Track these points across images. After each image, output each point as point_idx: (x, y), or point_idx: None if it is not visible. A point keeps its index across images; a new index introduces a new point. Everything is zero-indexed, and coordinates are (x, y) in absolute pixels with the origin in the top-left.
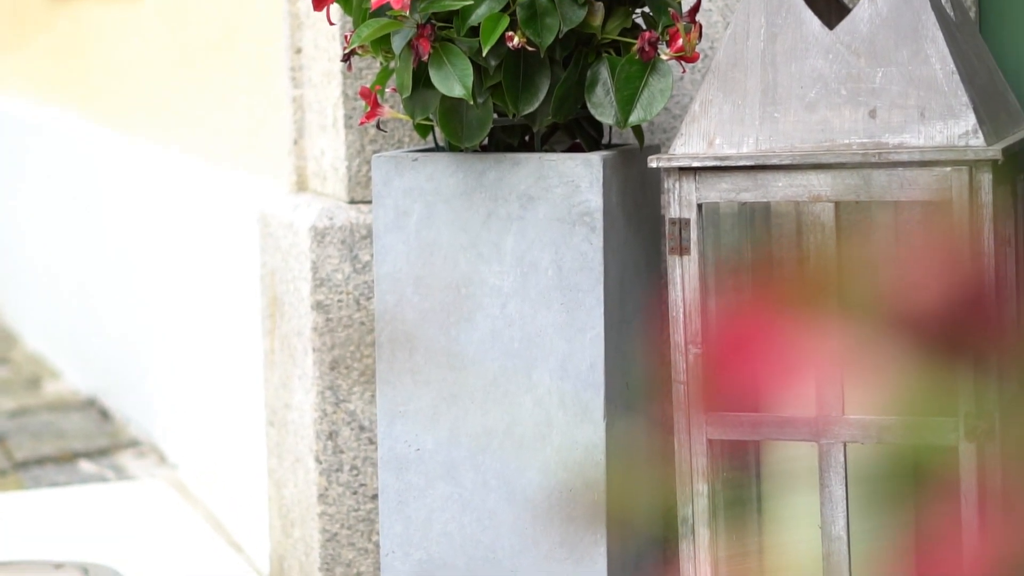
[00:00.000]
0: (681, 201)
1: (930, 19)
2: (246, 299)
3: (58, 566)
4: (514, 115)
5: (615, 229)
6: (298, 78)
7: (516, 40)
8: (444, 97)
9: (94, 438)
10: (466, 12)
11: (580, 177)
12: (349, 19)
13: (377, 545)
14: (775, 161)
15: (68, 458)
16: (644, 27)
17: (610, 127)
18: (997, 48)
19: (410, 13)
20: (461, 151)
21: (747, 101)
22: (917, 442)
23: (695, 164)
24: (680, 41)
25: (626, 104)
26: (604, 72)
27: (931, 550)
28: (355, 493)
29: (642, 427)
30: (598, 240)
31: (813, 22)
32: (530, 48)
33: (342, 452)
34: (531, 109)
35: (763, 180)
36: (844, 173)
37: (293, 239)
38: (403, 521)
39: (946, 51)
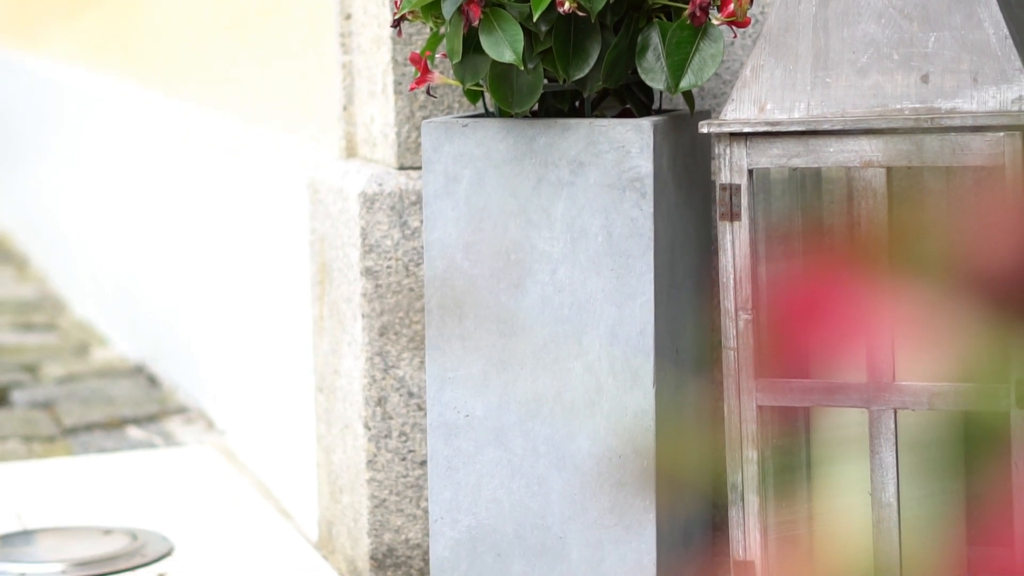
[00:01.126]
0: (732, 167)
1: None
2: (295, 265)
3: (107, 532)
4: (564, 80)
5: (665, 195)
6: (347, 44)
7: (567, 5)
8: (494, 62)
9: (142, 404)
10: None
11: (630, 143)
12: None
13: (426, 511)
14: (826, 127)
15: (116, 424)
16: None
17: (661, 92)
18: None
19: None
20: (511, 117)
21: (798, 66)
22: (968, 408)
23: (746, 129)
24: (731, 6)
25: (677, 69)
26: (655, 37)
27: (981, 517)
28: (404, 459)
29: (692, 393)
30: (648, 206)
31: None
32: (581, 13)
33: (391, 418)
34: (582, 74)
35: (814, 146)
36: (896, 138)
37: (343, 205)
38: (452, 487)
39: (999, 15)
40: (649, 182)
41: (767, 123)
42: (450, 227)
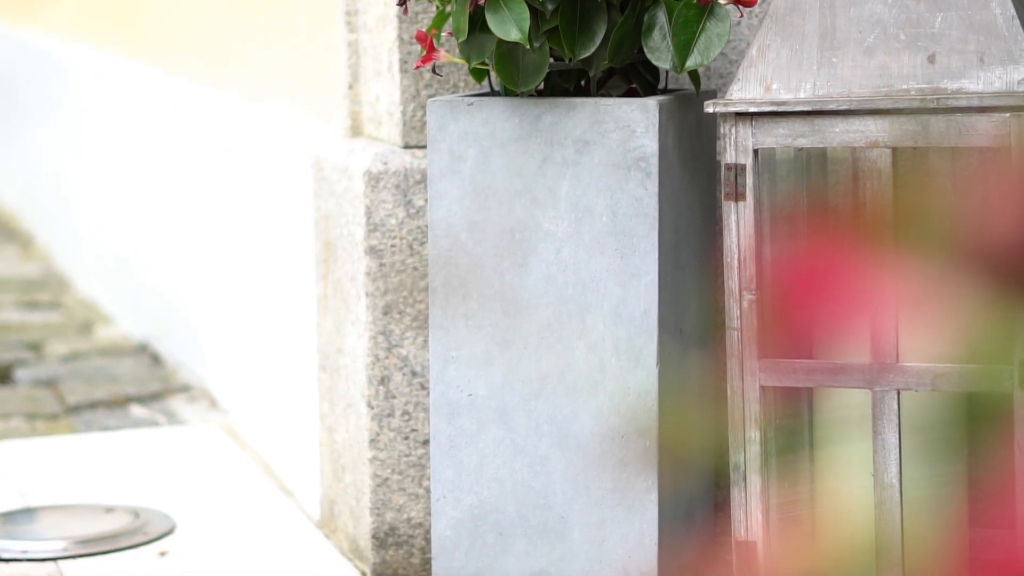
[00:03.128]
0: (737, 146)
1: None
2: (299, 244)
3: (109, 510)
4: (570, 60)
5: (670, 175)
6: (353, 22)
7: None
8: (500, 41)
9: (146, 383)
10: None
11: (636, 122)
12: None
13: (428, 490)
14: (832, 106)
15: (120, 402)
16: None
17: (666, 72)
18: None
19: None
20: (517, 96)
21: (805, 46)
22: (972, 390)
23: (752, 109)
24: None
25: (683, 49)
26: (661, 16)
27: (983, 499)
28: (406, 438)
29: (695, 373)
30: (653, 186)
31: None
32: None
33: (394, 397)
34: (587, 53)
35: (820, 126)
36: (902, 119)
37: (347, 184)
38: (454, 466)
39: None
40: (654, 162)
41: (773, 103)
42: (454, 206)
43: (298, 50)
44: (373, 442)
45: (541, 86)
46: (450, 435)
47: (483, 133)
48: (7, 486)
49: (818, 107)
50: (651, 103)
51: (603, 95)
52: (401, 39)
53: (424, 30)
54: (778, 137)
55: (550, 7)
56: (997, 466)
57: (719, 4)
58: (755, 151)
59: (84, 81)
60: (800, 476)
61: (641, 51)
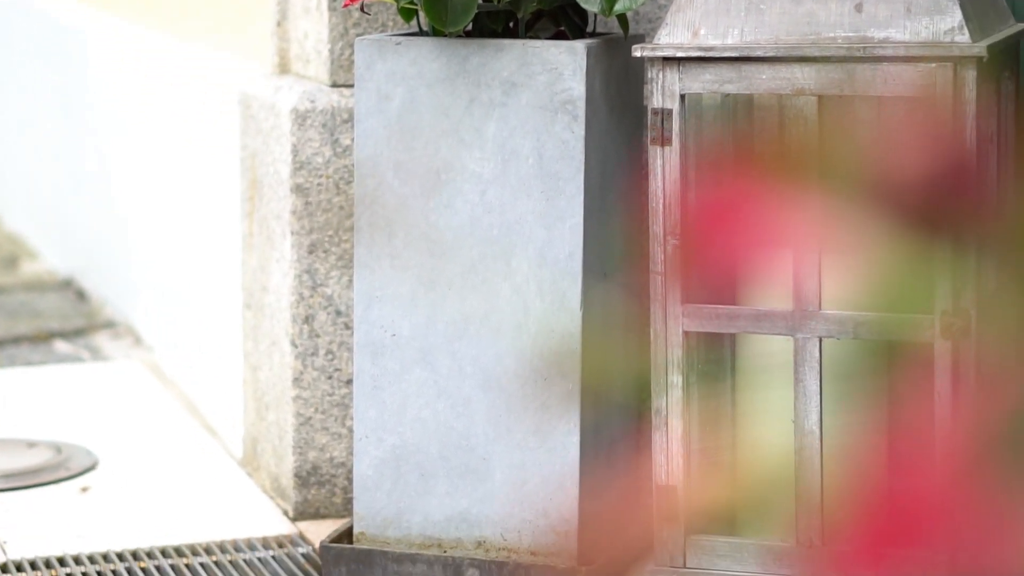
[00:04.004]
0: (664, 91)
1: None
2: (225, 181)
3: (31, 444)
4: (499, 1)
5: (597, 118)
6: None
7: None
8: None
9: (70, 318)
10: None
11: (564, 65)
12: None
13: (351, 430)
14: (759, 53)
15: (43, 338)
16: None
17: (595, 16)
18: None
19: None
20: (445, 36)
21: None
22: (893, 339)
23: (679, 54)
24: None
25: None
26: None
27: (903, 446)
28: (330, 378)
29: (619, 317)
30: (580, 129)
31: None
32: None
33: (318, 336)
34: None
35: (747, 72)
36: (828, 67)
37: (274, 121)
38: (377, 406)
39: None
40: (581, 105)
41: (700, 48)
42: (381, 145)
43: None
44: (297, 381)
45: (470, 27)
46: (373, 375)
47: (411, 73)
48: None
49: (745, 53)
50: (579, 46)
51: (531, 37)
52: None
53: None
54: (705, 83)
55: None
56: (917, 414)
57: None
58: (682, 96)
59: (15, 17)
60: (721, 422)
61: None
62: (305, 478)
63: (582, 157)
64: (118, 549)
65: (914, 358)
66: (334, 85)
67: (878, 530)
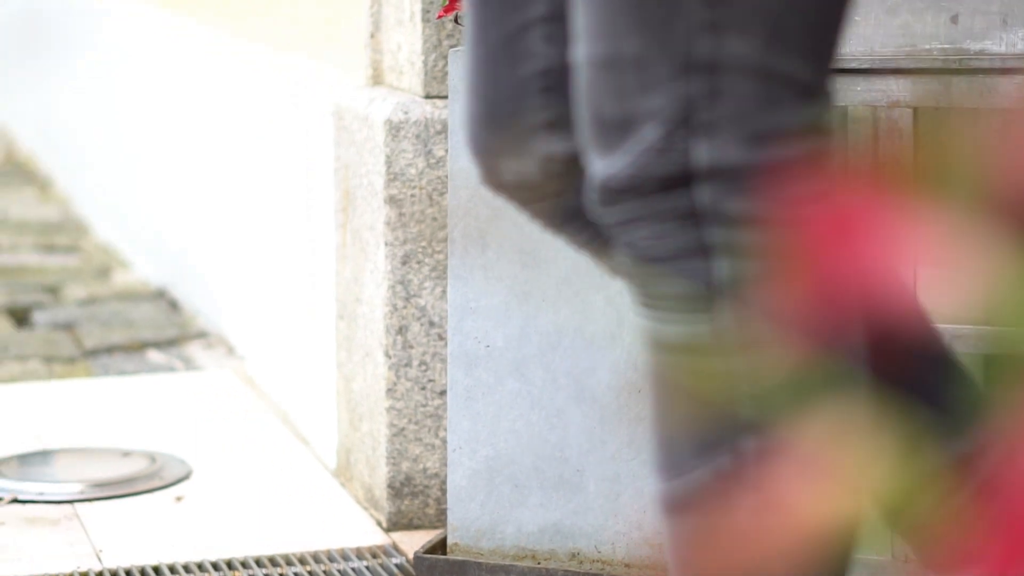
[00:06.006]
0: None
1: None
2: (318, 192)
3: (126, 454)
4: None
5: None
6: None
7: None
8: None
9: (163, 328)
10: None
11: None
12: None
13: (444, 441)
14: (854, 65)
15: (137, 347)
16: None
17: None
18: None
19: None
20: None
21: None
22: (992, 352)
23: None
24: None
25: None
26: None
27: (997, 462)
28: (423, 388)
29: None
30: None
31: None
32: None
33: (411, 347)
34: None
35: (841, 84)
36: (924, 79)
37: (368, 133)
38: (471, 417)
39: None
40: None
41: None
42: None
43: None
44: (390, 391)
45: None
46: (467, 386)
47: None
48: (24, 428)
49: (839, 65)
50: None
51: None
52: None
53: None
54: None
55: None
56: (1013, 429)
57: None
58: None
59: (111, 25)
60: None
61: None
62: (399, 489)
63: None
64: (212, 558)
65: (1015, 371)
66: (427, 96)
67: (978, 548)
